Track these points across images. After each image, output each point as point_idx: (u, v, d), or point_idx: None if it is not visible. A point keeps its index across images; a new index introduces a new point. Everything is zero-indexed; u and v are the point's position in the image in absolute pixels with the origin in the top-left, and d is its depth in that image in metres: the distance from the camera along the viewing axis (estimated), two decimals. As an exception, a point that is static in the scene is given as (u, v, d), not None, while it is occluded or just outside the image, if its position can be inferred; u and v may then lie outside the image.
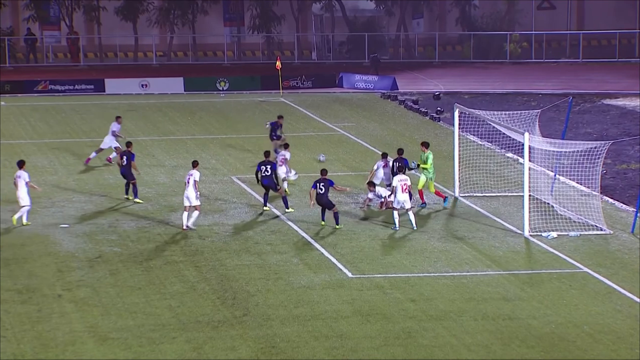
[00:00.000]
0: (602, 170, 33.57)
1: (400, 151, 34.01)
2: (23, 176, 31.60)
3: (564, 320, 24.10)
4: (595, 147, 31.81)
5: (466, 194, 35.32)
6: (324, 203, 31.74)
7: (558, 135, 37.99)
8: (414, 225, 31.46)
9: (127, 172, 34.73)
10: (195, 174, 31.49)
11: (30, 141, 45.83)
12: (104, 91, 61.42)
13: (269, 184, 33.30)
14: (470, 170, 36.70)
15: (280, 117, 40.86)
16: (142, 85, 61.83)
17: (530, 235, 30.70)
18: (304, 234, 31.08)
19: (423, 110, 53.32)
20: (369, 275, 27.34)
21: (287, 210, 33.23)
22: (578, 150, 32.52)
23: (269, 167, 33.27)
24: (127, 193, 35.00)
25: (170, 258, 28.85)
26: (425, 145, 34.40)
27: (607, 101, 56.92)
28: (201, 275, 27.41)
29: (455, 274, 27.48)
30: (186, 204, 31.36)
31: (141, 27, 75.53)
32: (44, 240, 30.37)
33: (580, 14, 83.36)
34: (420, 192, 34.04)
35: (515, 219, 32.16)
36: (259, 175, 33.25)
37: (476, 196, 35.21)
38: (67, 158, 42.44)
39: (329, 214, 31.82)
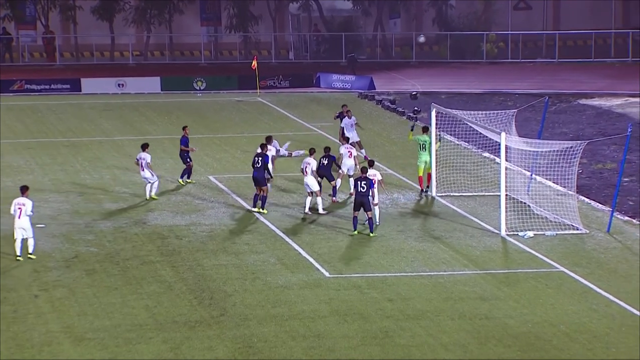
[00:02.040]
0: (578, 170, 33.72)
1: (327, 149, 34.22)
2: (147, 158, 34.53)
3: (541, 319, 24.18)
4: (571, 147, 31.93)
5: (443, 194, 35.40)
6: (364, 203, 30.18)
7: (534, 135, 38.12)
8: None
9: (186, 155, 36.95)
10: (312, 163, 32.52)
11: (6, 141, 45.59)
12: (80, 91, 61.19)
13: (257, 176, 32.90)
14: (448, 170, 36.77)
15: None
16: (119, 85, 61.65)
17: (507, 235, 30.79)
18: (281, 234, 31.05)
19: (400, 110, 53.42)
20: (347, 275, 27.35)
21: (261, 210, 33.08)
22: (554, 150, 32.64)
23: (260, 159, 33.02)
24: (182, 177, 37.07)
25: (147, 258, 28.77)
26: (425, 129, 35.48)
27: (583, 101, 57.17)
28: (178, 275, 27.36)
29: (432, 273, 27.53)
30: (307, 190, 32.72)
31: (117, 26, 75.28)
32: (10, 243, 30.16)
33: (556, 14, 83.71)
34: (420, 179, 34.93)
35: (492, 218, 32.25)
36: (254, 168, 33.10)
37: (453, 196, 35.29)
38: (43, 158, 42.28)
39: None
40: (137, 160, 34.87)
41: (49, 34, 74.36)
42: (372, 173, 31.39)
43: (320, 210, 32.66)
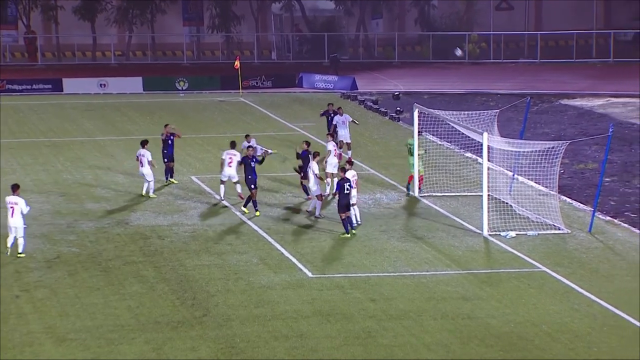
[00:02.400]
0: (560, 170, 33.82)
1: (307, 143, 34.21)
2: (147, 155, 34.48)
3: (523, 319, 24.24)
4: (553, 147, 32.03)
5: (426, 194, 35.45)
6: (347, 205, 30.43)
7: (516, 135, 38.21)
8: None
9: (164, 154, 36.75)
10: (315, 167, 32.36)
11: (-13, 141, 45.44)
12: (62, 91, 61.06)
13: (246, 179, 32.87)
14: (430, 170, 36.82)
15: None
16: (101, 85, 61.51)
17: (489, 235, 30.86)
18: (264, 234, 31.03)
19: (383, 110, 53.51)
20: (329, 275, 27.36)
21: (246, 211, 33.00)
22: (536, 150, 32.73)
23: (249, 161, 32.99)
24: (169, 177, 36.92)
25: (129, 258, 28.71)
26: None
27: (565, 101, 57.37)
28: (160, 275, 27.31)
29: (414, 273, 27.57)
30: (315, 195, 32.59)
31: (99, 26, 75.14)
32: (1, 241, 30.07)
33: (538, 14, 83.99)
34: (410, 178, 35.24)
35: (475, 218, 32.31)
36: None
37: (436, 196, 35.34)
38: (25, 158, 42.15)
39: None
40: (138, 156, 34.95)
41: (30, 34, 74.11)
42: (353, 174, 31.49)
43: (317, 214, 32.53)
